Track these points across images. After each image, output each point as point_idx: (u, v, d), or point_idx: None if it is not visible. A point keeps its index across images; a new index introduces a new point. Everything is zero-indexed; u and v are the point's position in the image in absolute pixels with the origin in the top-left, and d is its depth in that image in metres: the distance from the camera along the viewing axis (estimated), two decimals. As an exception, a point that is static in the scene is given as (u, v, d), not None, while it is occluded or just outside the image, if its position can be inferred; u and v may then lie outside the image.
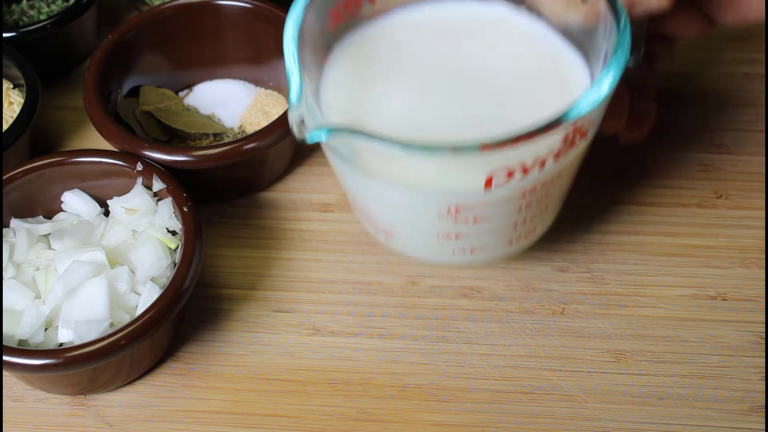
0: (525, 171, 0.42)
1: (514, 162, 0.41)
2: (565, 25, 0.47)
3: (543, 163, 0.42)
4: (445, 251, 0.49)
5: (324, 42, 0.48)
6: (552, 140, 0.41)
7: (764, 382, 0.49)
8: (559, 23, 0.47)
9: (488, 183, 0.42)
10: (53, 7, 0.67)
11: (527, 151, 0.41)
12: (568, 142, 0.42)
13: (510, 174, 0.42)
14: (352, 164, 0.44)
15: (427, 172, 0.43)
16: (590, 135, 0.44)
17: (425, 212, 0.45)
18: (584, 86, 0.46)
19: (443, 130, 0.45)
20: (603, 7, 0.44)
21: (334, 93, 0.47)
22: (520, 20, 0.49)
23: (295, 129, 0.41)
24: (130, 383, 0.51)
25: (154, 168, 0.53)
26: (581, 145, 0.44)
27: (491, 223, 0.46)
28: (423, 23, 0.49)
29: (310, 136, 0.40)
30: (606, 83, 0.41)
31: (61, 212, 0.55)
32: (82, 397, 0.51)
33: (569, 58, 0.47)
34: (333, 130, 0.40)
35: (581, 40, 0.47)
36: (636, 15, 0.45)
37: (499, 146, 0.39)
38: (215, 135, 0.61)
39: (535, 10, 0.48)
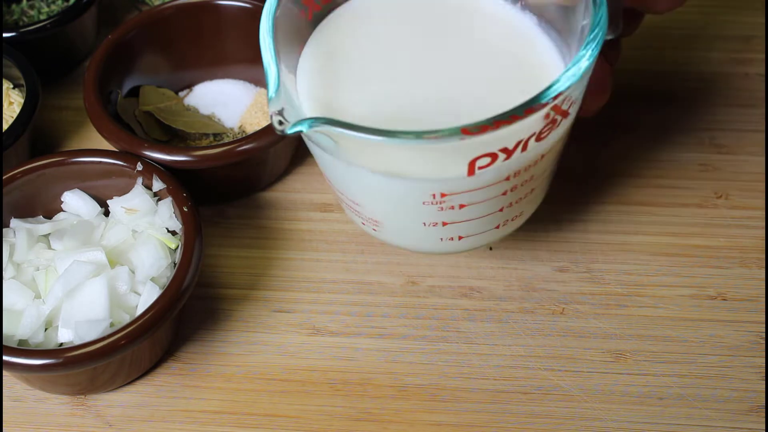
0: (507, 154, 0.41)
1: (495, 146, 0.41)
2: (542, 5, 0.47)
3: (525, 145, 0.41)
4: (432, 239, 0.48)
5: (300, 31, 0.47)
6: (533, 121, 0.40)
7: (764, 382, 0.49)
8: (536, 3, 0.47)
9: (471, 169, 0.41)
10: (53, 7, 0.67)
11: (508, 134, 0.40)
12: (550, 122, 0.41)
13: (493, 158, 0.41)
14: (334, 155, 0.43)
15: (408, 159, 0.42)
16: (573, 113, 0.43)
17: (409, 200, 0.45)
18: (560, 67, 0.45)
19: (421, 115, 0.44)
20: None
21: (309, 81, 0.46)
22: (495, 3, 0.48)
23: (274, 121, 0.40)
24: (130, 383, 0.51)
25: (154, 168, 0.53)
26: (564, 125, 0.43)
27: (477, 209, 0.45)
28: (397, 3, 0.49)
29: (290, 128, 0.40)
30: (584, 60, 0.40)
31: (61, 212, 0.55)
32: (82, 397, 0.51)
33: (545, 38, 0.46)
34: (313, 123, 0.39)
35: (557, 20, 0.46)
36: None
37: (479, 131, 0.38)
38: (215, 135, 0.61)
39: None
